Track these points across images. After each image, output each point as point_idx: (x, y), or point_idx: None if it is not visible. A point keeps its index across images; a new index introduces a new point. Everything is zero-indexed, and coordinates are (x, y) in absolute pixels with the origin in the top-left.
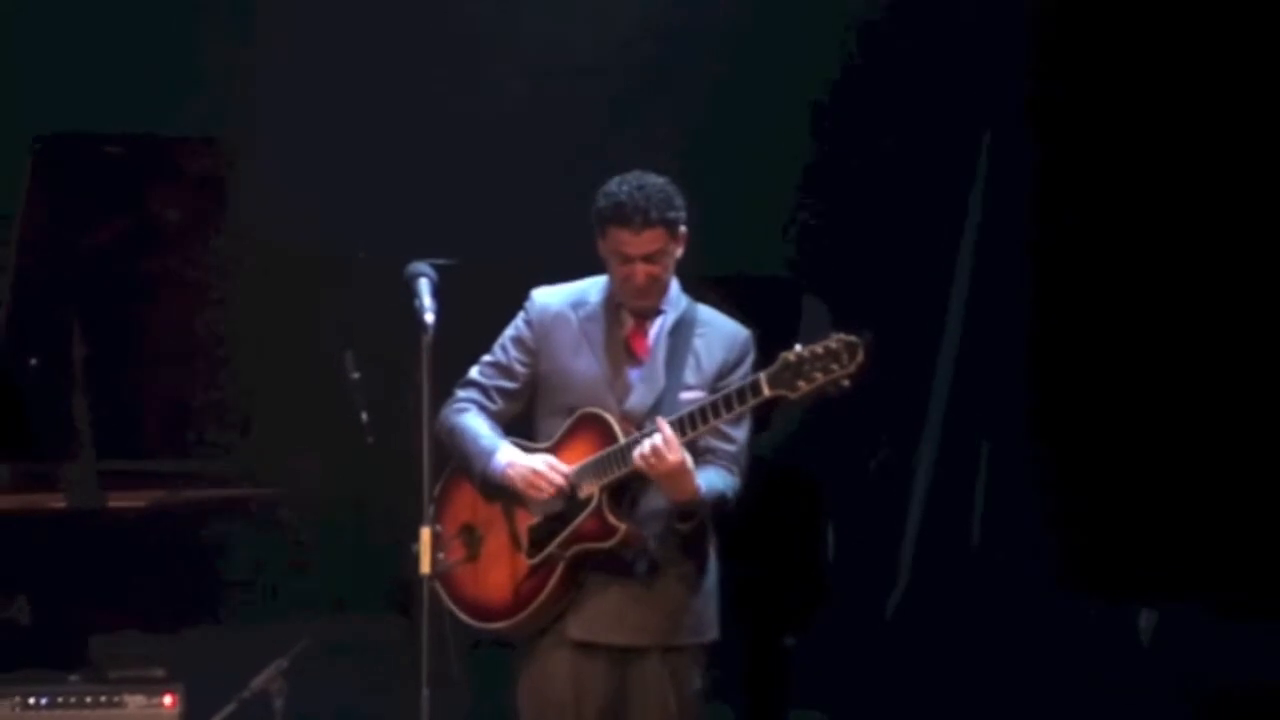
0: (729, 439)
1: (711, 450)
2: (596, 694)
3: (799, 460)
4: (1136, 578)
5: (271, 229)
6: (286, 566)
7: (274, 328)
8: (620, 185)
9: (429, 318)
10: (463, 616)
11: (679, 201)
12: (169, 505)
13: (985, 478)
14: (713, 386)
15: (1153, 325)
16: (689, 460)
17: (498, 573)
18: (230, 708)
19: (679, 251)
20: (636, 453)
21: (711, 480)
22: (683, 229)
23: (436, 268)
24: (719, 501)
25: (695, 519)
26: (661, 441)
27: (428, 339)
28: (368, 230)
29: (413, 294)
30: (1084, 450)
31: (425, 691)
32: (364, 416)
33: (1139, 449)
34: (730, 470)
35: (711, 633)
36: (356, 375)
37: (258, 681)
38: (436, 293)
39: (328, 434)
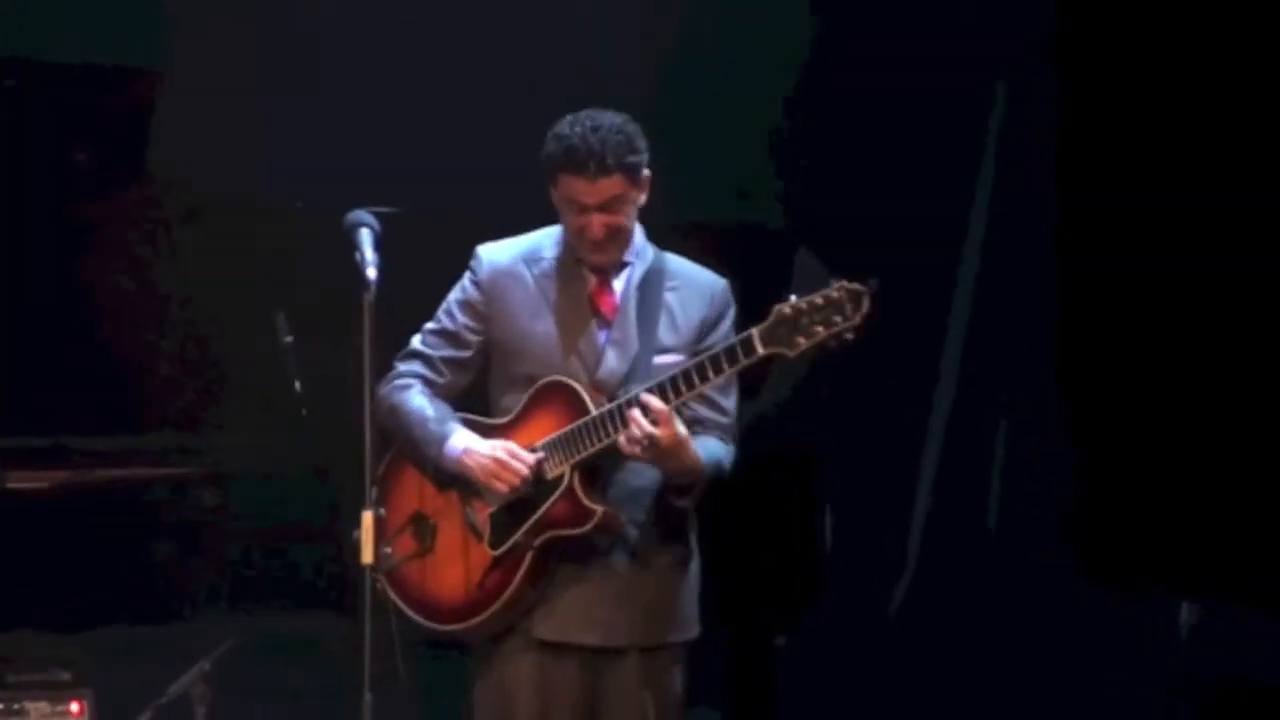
0: (718, 407)
1: (699, 422)
2: (566, 701)
3: (791, 434)
4: (1168, 570)
5: (194, 175)
6: (210, 556)
7: (197, 286)
8: (572, 127)
9: (371, 273)
10: (415, 618)
11: (640, 143)
12: (76, 486)
13: (1003, 456)
14: (693, 348)
15: (1190, 294)
16: (684, 431)
17: (455, 567)
18: (145, 716)
19: (642, 198)
20: (623, 438)
21: (709, 449)
22: (645, 173)
23: (379, 217)
24: (717, 472)
25: (694, 492)
26: (651, 421)
27: (370, 297)
28: (302, 177)
29: (353, 247)
30: (1112, 428)
31: (367, 697)
32: (297, 385)
33: (1172, 429)
34: (722, 439)
35: (693, 630)
36: (289, 339)
37: (177, 686)
38: (380, 245)
39: (258, 406)
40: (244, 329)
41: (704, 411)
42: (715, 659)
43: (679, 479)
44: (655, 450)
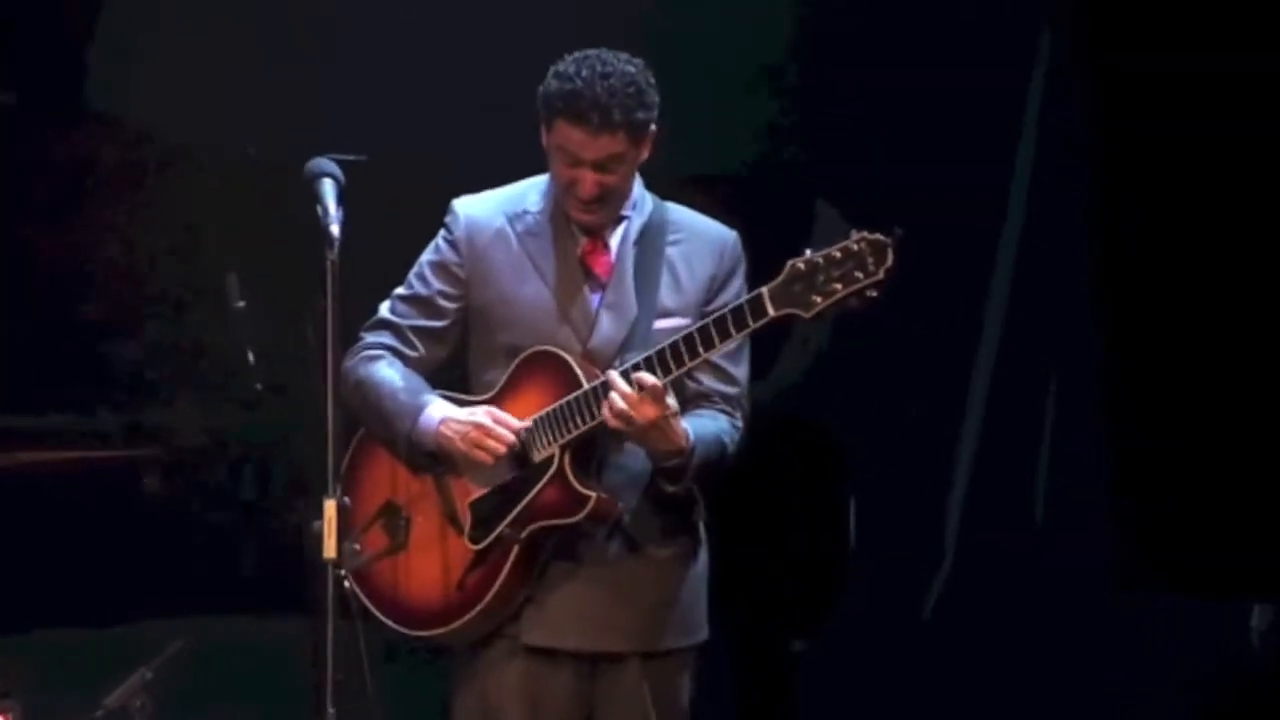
0: (726, 377)
1: (704, 395)
2: (558, 714)
3: (811, 412)
4: (1234, 571)
5: (132, 122)
6: (154, 549)
7: (137, 245)
8: (579, 68)
9: (334, 229)
10: (387, 622)
11: (651, 97)
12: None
13: (1051, 435)
14: (699, 311)
15: (1250, 261)
16: (673, 403)
17: (431, 564)
18: None
19: (643, 155)
20: (606, 408)
21: (703, 427)
22: (651, 128)
23: (343, 165)
24: (716, 455)
25: (686, 478)
26: (628, 391)
27: (333, 256)
28: (255, 120)
29: (313, 199)
30: (1170, 407)
31: (330, 711)
32: (251, 356)
33: (1237, 415)
34: (730, 414)
35: (701, 633)
36: (241, 304)
37: (115, 697)
38: (344, 198)
39: (207, 380)
40: (191, 293)
41: (710, 382)
42: (726, 666)
43: (667, 460)
44: (634, 426)
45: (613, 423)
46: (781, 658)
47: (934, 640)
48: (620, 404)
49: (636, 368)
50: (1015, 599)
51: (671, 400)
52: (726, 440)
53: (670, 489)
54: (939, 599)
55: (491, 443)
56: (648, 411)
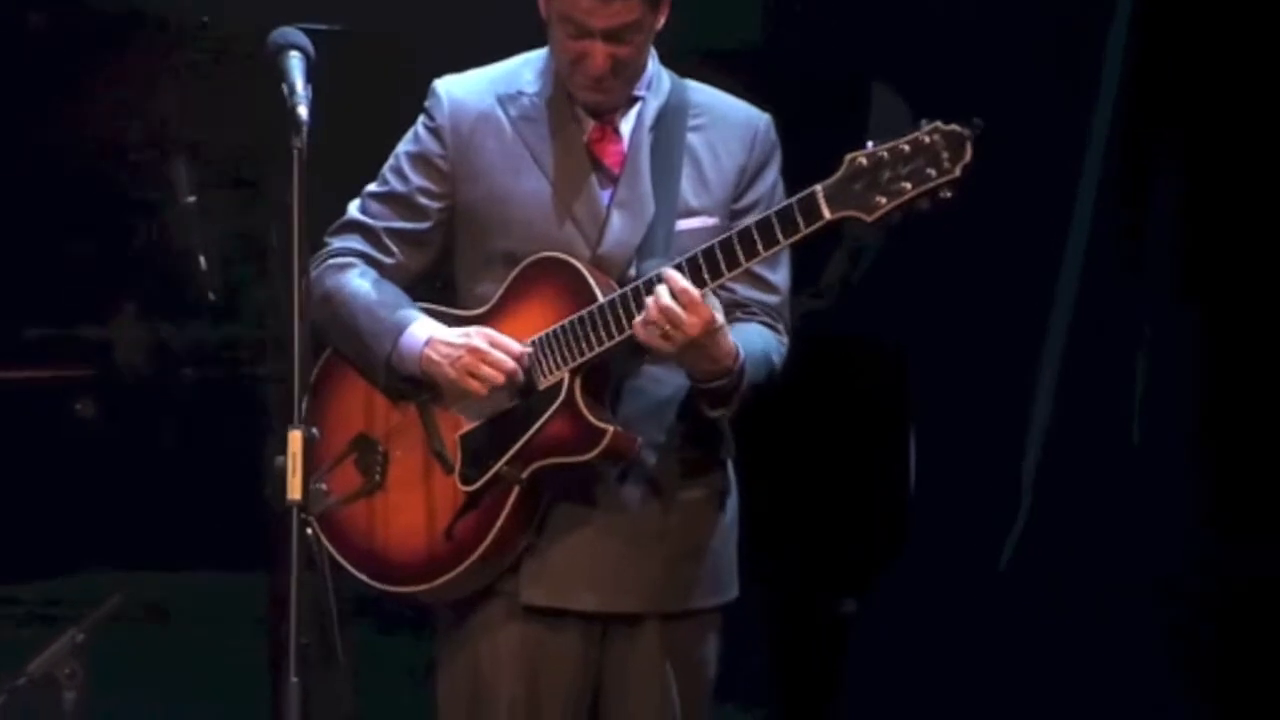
0: (765, 284)
1: (740, 304)
2: (562, 684)
3: (861, 329)
4: None
5: None
6: (86, 488)
7: (69, 129)
8: None
9: (302, 112)
10: (360, 577)
11: None
12: None
13: (1148, 360)
14: (729, 209)
15: None
16: (720, 316)
17: (414, 508)
18: None
19: (660, 22)
20: (639, 320)
21: (750, 342)
22: None
23: (314, 37)
24: (764, 375)
25: (733, 401)
26: (673, 297)
27: (300, 144)
28: None
29: (278, 77)
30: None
31: (293, 680)
32: (203, 261)
33: None
34: (773, 327)
35: (730, 591)
36: (192, 199)
37: (39, 663)
38: (313, 75)
39: (150, 288)
40: (133, 185)
41: (747, 290)
42: (757, 631)
43: (711, 381)
44: (679, 342)
45: (657, 342)
46: (826, 621)
47: (1008, 600)
48: (662, 313)
49: (680, 270)
50: (1100, 550)
51: (719, 312)
52: (775, 358)
53: (714, 414)
54: (1014, 550)
55: (487, 370)
56: (692, 325)
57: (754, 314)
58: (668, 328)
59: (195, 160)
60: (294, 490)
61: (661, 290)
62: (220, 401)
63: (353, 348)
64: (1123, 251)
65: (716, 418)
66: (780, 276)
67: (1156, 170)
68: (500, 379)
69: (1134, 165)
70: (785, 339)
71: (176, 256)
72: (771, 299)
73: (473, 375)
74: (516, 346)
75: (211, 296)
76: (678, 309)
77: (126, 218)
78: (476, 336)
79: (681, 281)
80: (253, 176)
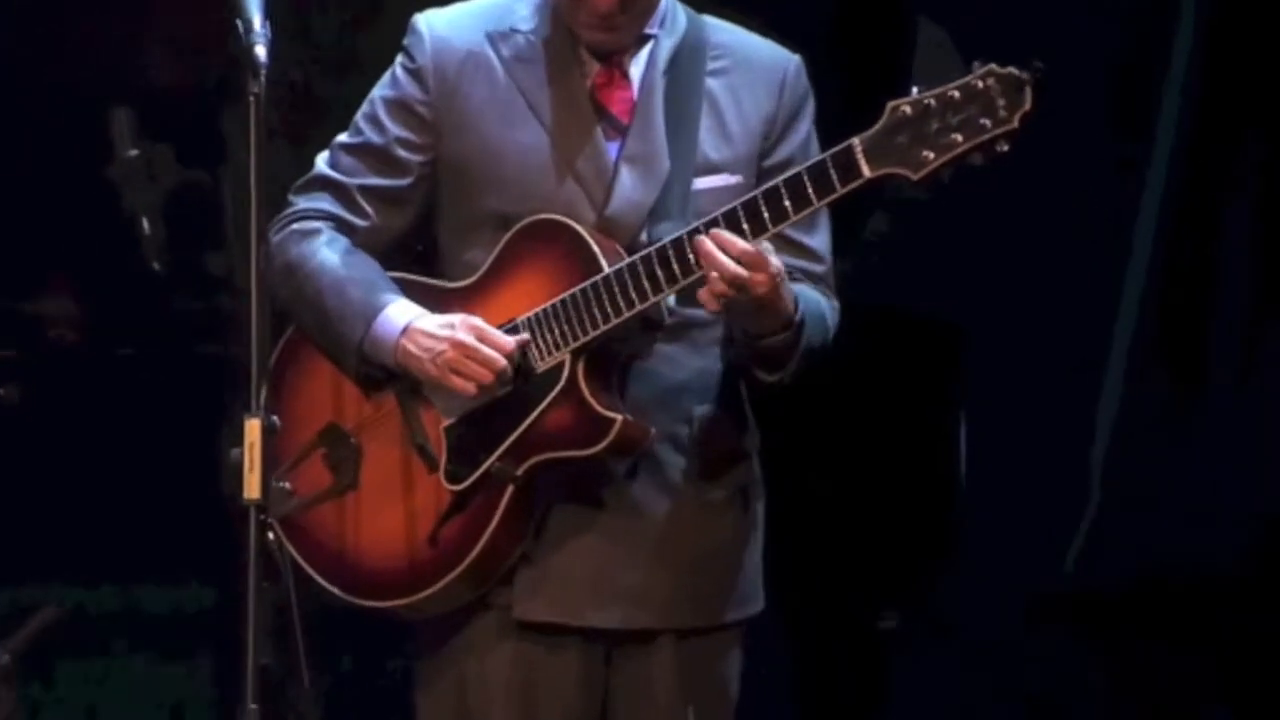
0: (804, 251)
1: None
2: (562, 711)
3: (905, 301)
4: None
5: None
6: (13, 485)
7: None
8: None
9: (260, 51)
10: (331, 590)
11: None
12: None
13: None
14: (754, 165)
15: None
16: (776, 262)
17: (392, 511)
18: None
19: None
20: (703, 293)
21: (803, 293)
22: None
23: None
24: (819, 336)
25: (793, 360)
26: (727, 263)
27: (258, 89)
28: None
29: (232, 10)
30: None
31: (252, 708)
32: (146, 225)
33: None
34: (827, 295)
35: (755, 604)
36: (134, 152)
37: None
38: (271, 9)
39: (86, 257)
40: (66, 134)
41: (785, 258)
42: (783, 649)
43: (771, 337)
44: (744, 306)
45: (713, 297)
46: (864, 637)
47: (1075, 602)
48: (731, 283)
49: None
50: (1179, 547)
51: (774, 256)
52: (829, 320)
53: (770, 379)
54: (1083, 546)
55: (474, 367)
56: (759, 284)
57: (797, 280)
58: (734, 294)
59: (139, 109)
60: (252, 488)
61: (718, 256)
62: (166, 386)
63: (319, 330)
64: (1195, 240)
65: (771, 383)
66: (820, 240)
67: (1231, 152)
68: (489, 378)
69: (1207, 148)
70: (836, 304)
71: (116, 219)
72: (816, 267)
73: (458, 373)
74: (509, 341)
75: (156, 266)
76: (742, 271)
77: (58, 174)
78: (462, 329)
79: (740, 243)
80: (204, 128)
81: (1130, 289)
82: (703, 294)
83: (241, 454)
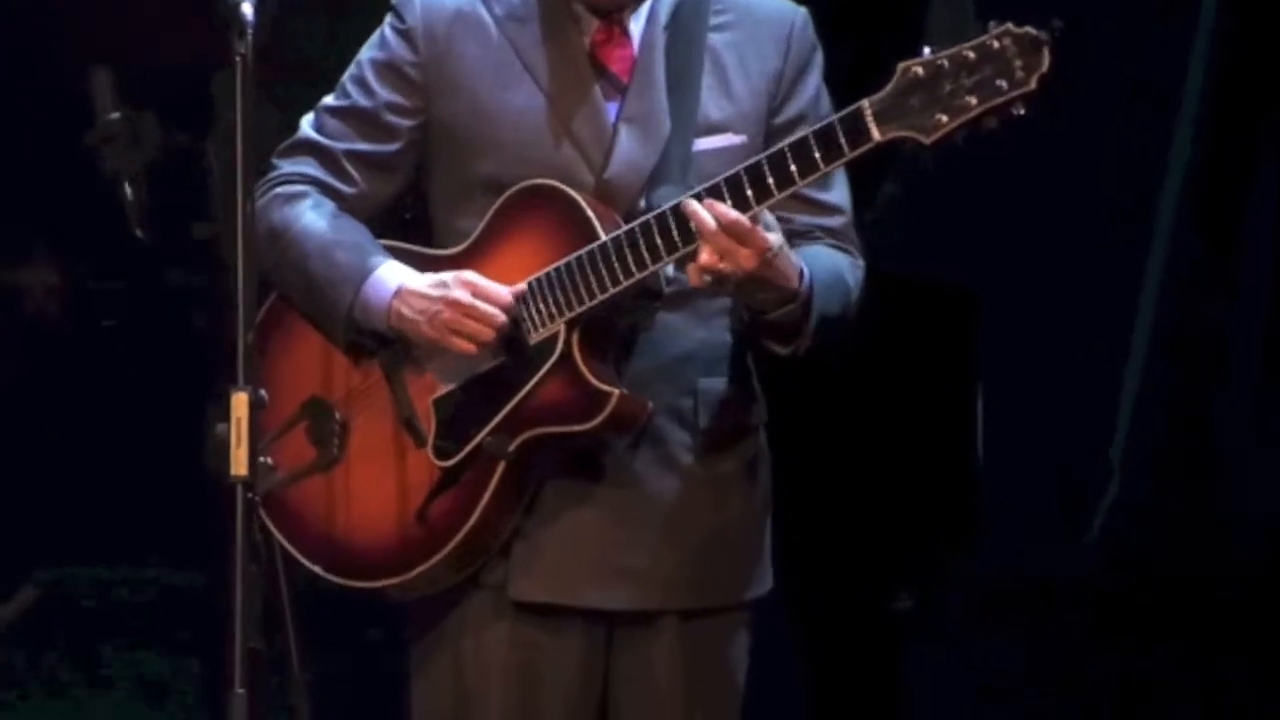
0: (819, 207)
1: (800, 234)
2: (562, 696)
3: (919, 266)
4: None
5: None
6: None
7: None
8: None
9: (246, 10)
10: (315, 570)
11: None
12: None
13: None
14: (761, 124)
15: None
16: (775, 238)
17: (379, 487)
18: None
19: None
20: (692, 268)
21: (816, 258)
22: None
23: None
24: (838, 303)
25: (805, 332)
26: (723, 230)
27: (244, 48)
28: None
29: None
30: None
31: (239, 692)
32: (128, 190)
33: None
34: (844, 250)
35: (764, 583)
36: (115, 115)
37: None
38: None
39: (65, 222)
40: (44, 96)
41: (802, 217)
42: (790, 632)
43: (775, 310)
44: (734, 282)
45: (700, 272)
46: (876, 619)
47: (1095, 580)
48: (718, 231)
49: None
50: (1207, 521)
51: (775, 232)
52: (850, 281)
53: (783, 351)
54: (1104, 521)
55: (473, 325)
56: (747, 259)
57: (817, 239)
58: (722, 268)
59: (119, 71)
60: (239, 464)
61: (707, 224)
62: (150, 358)
63: (305, 296)
64: (1222, 213)
65: (786, 355)
66: (837, 193)
67: (1255, 127)
68: (489, 335)
69: (1231, 126)
70: (860, 262)
71: (98, 185)
72: (833, 221)
73: (456, 333)
74: (505, 293)
75: (138, 233)
76: (729, 243)
77: (36, 138)
78: (456, 286)
79: (730, 213)
80: (189, 90)
81: (1155, 263)
82: (690, 268)
83: (228, 429)
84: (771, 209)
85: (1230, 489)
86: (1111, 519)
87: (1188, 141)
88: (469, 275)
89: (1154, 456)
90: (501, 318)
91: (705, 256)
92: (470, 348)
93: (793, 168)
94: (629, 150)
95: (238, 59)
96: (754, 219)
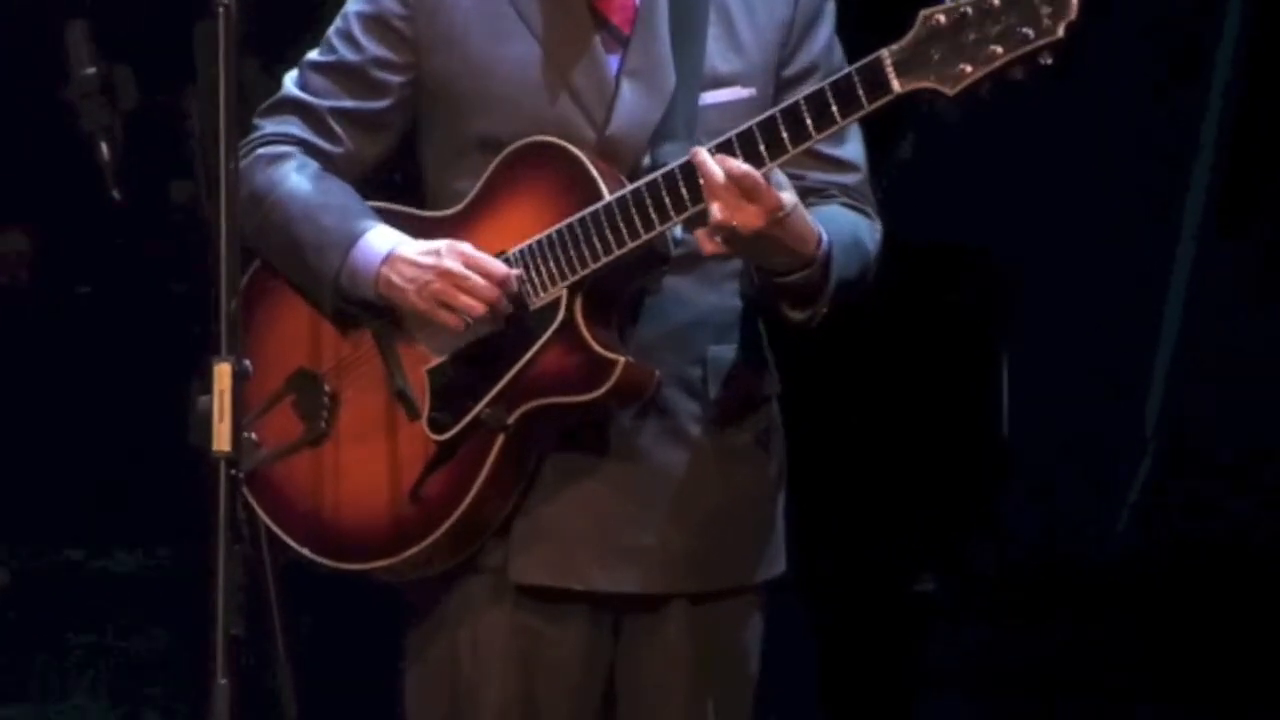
0: (834, 163)
1: (814, 191)
2: (565, 684)
3: (938, 233)
4: None
5: None
6: None
7: None
8: None
9: None
10: (303, 552)
11: None
12: None
13: None
14: (770, 77)
15: None
16: (789, 197)
17: (371, 464)
18: None
19: None
20: (701, 233)
21: (833, 218)
22: None
23: None
24: (856, 266)
25: (823, 297)
26: (731, 181)
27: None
28: None
29: None
30: None
31: (221, 682)
32: (105, 149)
33: None
34: (859, 209)
35: (777, 564)
36: (91, 70)
37: None
38: None
39: (39, 186)
40: (17, 51)
41: (816, 174)
42: (805, 616)
43: (791, 274)
44: (741, 242)
45: (710, 236)
46: (897, 602)
47: (1128, 560)
48: (725, 184)
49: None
50: (1246, 497)
51: (788, 191)
52: (868, 244)
53: (799, 317)
54: (1137, 499)
55: (464, 299)
56: (755, 215)
57: (832, 196)
58: (734, 226)
59: (97, 23)
60: (222, 440)
61: (714, 172)
62: (127, 328)
63: (290, 263)
64: (1255, 175)
65: (800, 321)
66: (852, 150)
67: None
68: (480, 309)
69: (1266, 78)
70: (877, 223)
71: (72, 144)
72: (848, 178)
73: (446, 305)
74: (500, 267)
75: (116, 195)
76: (739, 199)
77: (6, 94)
78: (448, 256)
79: (740, 166)
80: (169, 44)
81: (1189, 222)
82: (699, 234)
83: (210, 402)
84: (784, 166)
85: (1263, 471)
86: (1143, 499)
87: (1218, 111)
88: (463, 245)
89: (1186, 437)
90: (494, 292)
91: (717, 213)
92: (459, 322)
93: (808, 121)
94: (632, 105)
95: (220, 9)
96: (765, 177)
